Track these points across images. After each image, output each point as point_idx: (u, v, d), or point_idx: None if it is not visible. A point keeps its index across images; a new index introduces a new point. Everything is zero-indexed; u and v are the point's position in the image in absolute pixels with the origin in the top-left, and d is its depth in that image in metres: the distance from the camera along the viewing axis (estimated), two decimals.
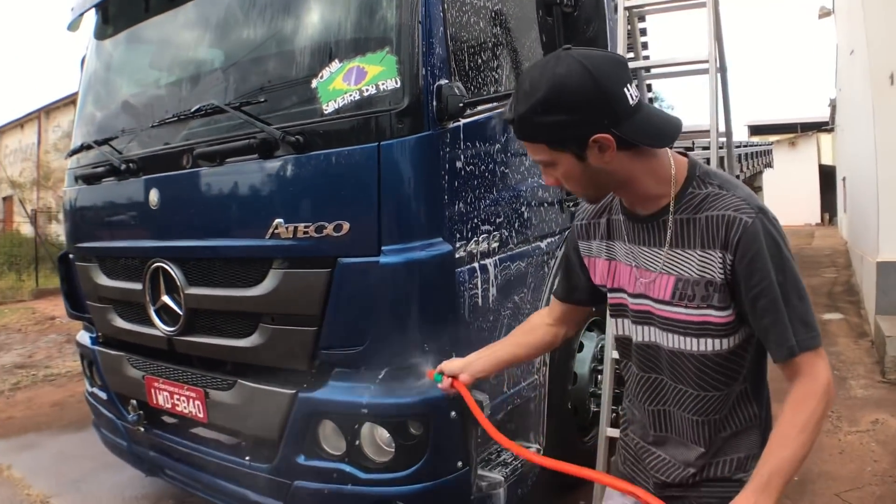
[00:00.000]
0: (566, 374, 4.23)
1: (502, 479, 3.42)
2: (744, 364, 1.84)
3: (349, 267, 3.08)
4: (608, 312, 2.10)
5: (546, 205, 3.98)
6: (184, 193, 3.65)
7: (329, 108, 3.13)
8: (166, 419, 4.14)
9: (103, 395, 4.54)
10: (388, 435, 3.20)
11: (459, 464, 3.22)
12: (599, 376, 4.40)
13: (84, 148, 4.35)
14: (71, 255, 4.69)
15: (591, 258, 2.08)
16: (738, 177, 9.18)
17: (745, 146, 12.35)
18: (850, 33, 11.83)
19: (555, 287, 2.36)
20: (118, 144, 4.09)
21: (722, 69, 4.26)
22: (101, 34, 4.57)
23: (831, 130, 23.81)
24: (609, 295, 2.04)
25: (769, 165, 15.28)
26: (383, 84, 3.05)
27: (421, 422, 3.14)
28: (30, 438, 6.55)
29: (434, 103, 3.07)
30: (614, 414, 4.50)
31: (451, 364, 2.42)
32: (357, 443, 3.22)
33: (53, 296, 17.27)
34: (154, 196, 3.74)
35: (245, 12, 3.64)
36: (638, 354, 1.97)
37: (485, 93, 3.45)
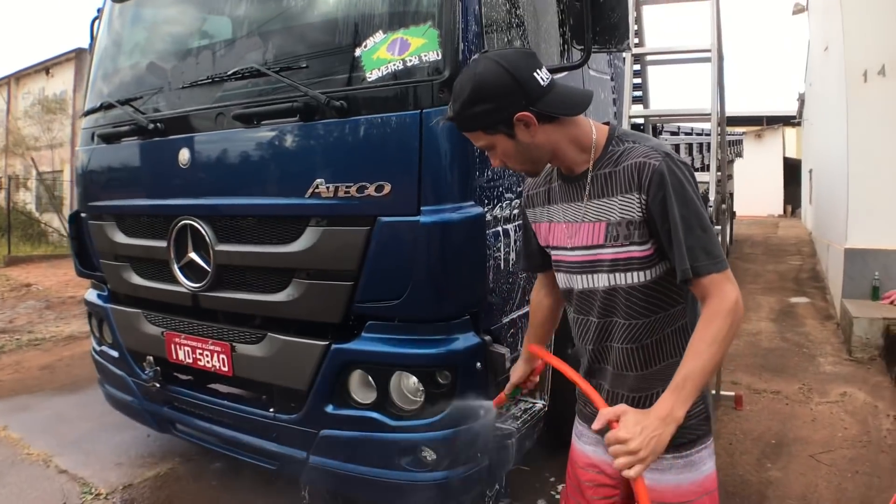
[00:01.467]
0: (570, 337, 4.43)
1: (514, 430, 3.63)
2: (669, 294, 2.09)
3: (389, 225, 3.25)
4: (554, 269, 2.35)
5: None
6: (218, 153, 3.78)
7: (372, 75, 3.29)
8: (181, 375, 4.27)
9: (113, 353, 4.64)
10: (418, 384, 3.40)
11: (482, 412, 3.36)
12: None
13: (103, 108, 4.42)
14: (83, 214, 4.77)
15: (536, 224, 2.36)
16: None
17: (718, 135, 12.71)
18: (824, 30, 12.19)
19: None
20: (142, 105, 4.19)
21: (720, 58, 4.49)
22: None
23: (798, 124, 24.39)
24: (552, 253, 2.31)
25: (739, 155, 15.67)
26: (426, 56, 3.22)
27: (450, 370, 3.34)
28: (22, 400, 6.60)
29: None
30: None
31: (517, 373, 2.70)
32: (387, 391, 3.41)
33: (26, 263, 17.13)
34: (184, 155, 3.85)
35: None
36: (577, 301, 2.24)
37: None
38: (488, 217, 3.43)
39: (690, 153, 8.65)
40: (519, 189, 3.68)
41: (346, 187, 3.29)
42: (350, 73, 3.40)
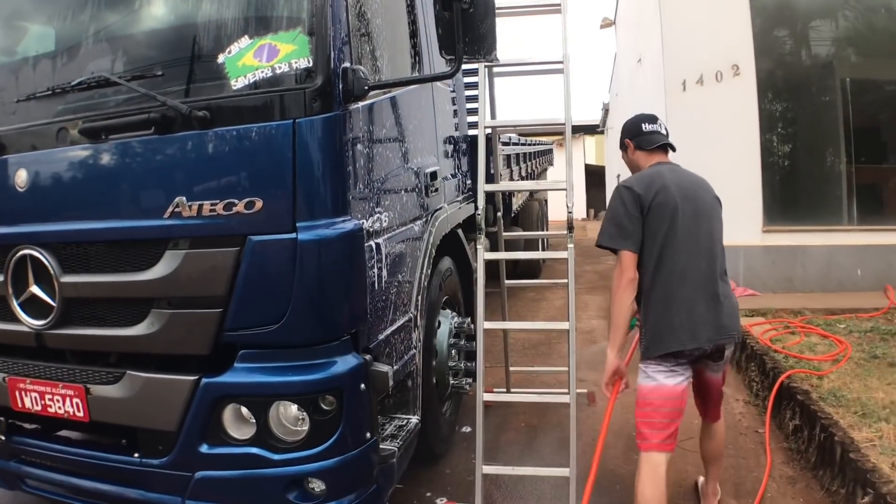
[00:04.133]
0: (430, 350, 4.46)
1: (395, 449, 3.54)
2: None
3: (262, 244, 3.05)
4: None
5: (418, 189, 4.16)
6: (61, 173, 3.41)
7: (238, 83, 3.09)
8: (29, 425, 3.80)
9: None
10: (301, 412, 3.20)
11: (368, 434, 3.28)
12: (453, 350, 4.74)
13: None
14: None
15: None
16: (531, 174, 9.89)
17: (532, 145, 12.97)
18: (637, 43, 12.85)
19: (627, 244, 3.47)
20: None
21: (566, 70, 4.56)
22: None
23: (602, 132, 25.71)
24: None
25: (551, 164, 16.17)
26: (296, 63, 3.06)
27: (334, 396, 3.17)
28: None
29: (341, 84, 3.13)
30: (468, 386, 4.93)
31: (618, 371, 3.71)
32: (267, 424, 3.19)
33: None
34: (22, 176, 3.44)
35: None
36: None
37: (375, 79, 3.53)
38: (363, 232, 3.31)
39: (508, 165, 8.60)
40: (386, 201, 3.62)
41: (212, 205, 3.05)
42: (213, 81, 3.18)
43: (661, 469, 3.38)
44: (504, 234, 5.90)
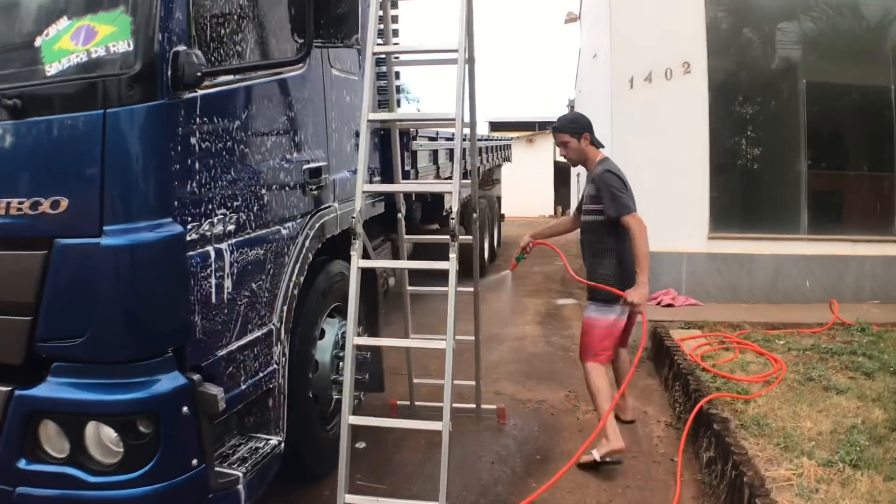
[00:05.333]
0: (306, 362, 4.16)
1: (241, 475, 3.26)
2: (609, 229, 4.68)
3: (67, 248, 2.77)
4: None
5: (288, 188, 3.84)
6: None
7: (52, 69, 2.80)
8: None
9: None
10: (116, 434, 2.91)
11: (195, 462, 3.01)
12: (342, 363, 4.33)
13: None
14: None
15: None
16: (479, 168, 9.37)
17: (487, 140, 12.73)
18: (594, 38, 12.54)
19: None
20: None
21: (470, 60, 4.23)
22: None
23: None
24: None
25: (508, 160, 15.85)
26: (114, 46, 2.76)
27: (150, 419, 2.89)
28: None
29: (169, 71, 2.83)
30: (356, 401, 4.50)
31: (525, 240, 5.25)
32: (83, 444, 2.91)
33: None
34: None
35: None
36: (583, 230, 4.94)
37: (228, 65, 3.24)
38: (194, 235, 3.00)
39: (436, 161, 8.01)
40: (235, 202, 3.32)
41: (19, 203, 2.78)
42: (27, 67, 2.87)
43: (604, 371, 4.84)
44: (408, 237, 5.43)
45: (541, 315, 9.52)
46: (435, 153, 7.11)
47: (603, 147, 4.84)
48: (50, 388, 2.87)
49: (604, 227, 4.70)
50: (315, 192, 4.10)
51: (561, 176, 25.79)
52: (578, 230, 5.10)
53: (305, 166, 4.00)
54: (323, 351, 4.34)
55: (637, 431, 5.36)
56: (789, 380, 5.53)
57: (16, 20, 2.97)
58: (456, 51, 3.89)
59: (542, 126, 27.17)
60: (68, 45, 2.78)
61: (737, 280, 8.53)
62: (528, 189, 24.47)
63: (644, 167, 8.26)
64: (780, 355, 6.16)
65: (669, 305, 8.10)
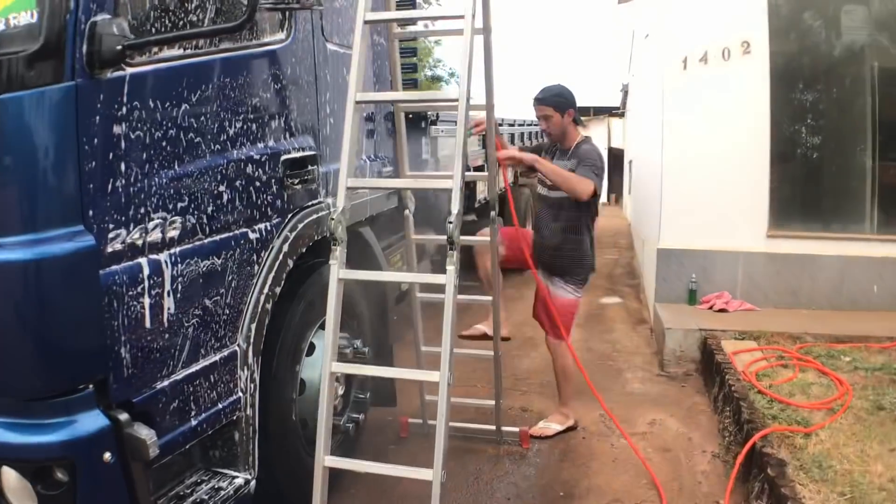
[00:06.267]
0: (287, 384, 3.57)
1: None
2: (580, 206, 4.68)
3: None
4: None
5: (259, 183, 3.22)
6: None
7: None
8: None
9: None
10: (25, 482, 2.43)
11: None
12: (336, 383, 3.78)
13: None
14: None
15: None
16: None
17: (528, 125, 11.95)
18: (646, 18, 11.73)
19: None
20: None
21: (485, 30, 3.61)
22: None
23: (622, 115, 24.45)
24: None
25: None
26: (15, 18, 2.26)
27: (65, 467, 2.40)
28: None
29: (84, 45, 2.28)
30: (352, 424, 4.09)
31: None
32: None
33: None
34: None
35: None
36: (544, 203, 4.92)
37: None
38: (117, 245, 2.45)
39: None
40: (180, 203, 2.74)
41: None
42: None
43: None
44: (416, 237, 4.77)
45: (582, 315, 8.59)
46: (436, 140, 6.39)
47: (583, 126, 4.86)
48: None
49: (575, 204, 4.65)
50: (297, 187, 3.49)
51: (615, 162, 24.93)
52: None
53: (285, 157, 3.40)
54: (311, 368, 3.71)
55: (679, 462, 4.67)
56: (856, 407, 4.75)
57: None
58: (462, 16, 3.25)
59: (596, 111, 26.57)
60: None
61: (798, 283, 7.69)
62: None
63: (698, 156, 7.59)
64: (846, 375, 5.37)
65: (723, 310, 7.31)
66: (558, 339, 4.92)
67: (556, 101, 4.69)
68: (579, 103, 4.82)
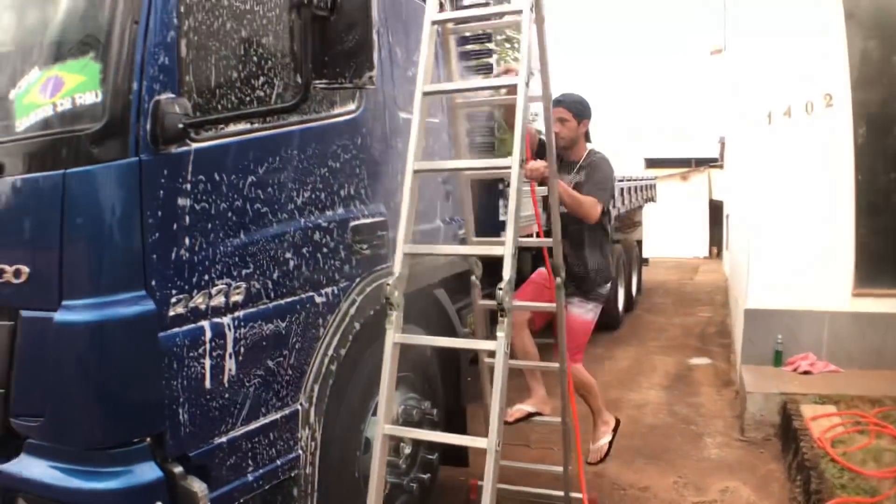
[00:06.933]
0: (352, 442, 3.66)
1: None
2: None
3: (29, 322, 2.55)
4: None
5: (326, 249, 3.37)
6: None
7: (22, 125, 2.57)
8: None
9: None
10: None
11: None
12: (402, 441, 3.90)
13: None
14: None
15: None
16: (612, 213, 8.61)
17: (628, 181, 11.85)
18: (734, 70, 11.64)
19: None
20: None
21: (539, 20, 3.49)
22: None
23: (721, 167, 24.04)
24: None
25: (652, 200, 14.82)
26: (80, 98, 2.50)
27: None
28: None
29: (148, 123, 2.50)
30: (415, 484, 4.04)
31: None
32: None
33: None
34: None
35: None
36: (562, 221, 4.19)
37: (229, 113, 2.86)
38: (179, 310, 2.64)
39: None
40: (244, 269, 2.92)
41: None
42: (3, 122, 2.67)
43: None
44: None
45: (669, 377, 8.59)
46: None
47: (592, 143, 4.76)
48: (22, 466, 2.64)
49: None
50: (366, 252, 3.61)
51: (716, 215, 24.48)
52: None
53: (353, 223, 3.53)
54: (377, 426, 3.82)
55: None
56: None
57: None
58: (520, 11, 3.31)
59: (698, 163, 26.28)
60: (37, 99, 2.56)
61: (882, 343, 7.35)
62: (680, 228, 23.46)
63: (784, 213, 7.43)
64: None
65: (807, 372, 7.10)
66: (569, 360, 4.44)
67: (576, 107, 4.48)
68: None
